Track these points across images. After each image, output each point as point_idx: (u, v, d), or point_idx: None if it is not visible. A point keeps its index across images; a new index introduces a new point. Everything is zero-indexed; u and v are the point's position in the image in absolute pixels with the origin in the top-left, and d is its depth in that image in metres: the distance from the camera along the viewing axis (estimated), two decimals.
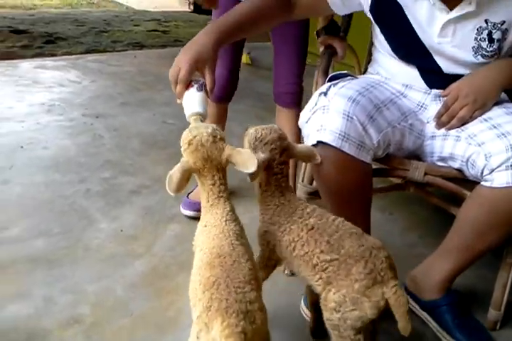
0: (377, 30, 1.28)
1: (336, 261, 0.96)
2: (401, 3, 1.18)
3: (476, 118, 1.17)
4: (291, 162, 1.75)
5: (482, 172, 1.10)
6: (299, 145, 1.10)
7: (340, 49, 1.49)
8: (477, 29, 1.15)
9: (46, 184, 1.93)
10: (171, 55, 1.08)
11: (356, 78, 1.31)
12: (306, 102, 1.23)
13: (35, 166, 2.06)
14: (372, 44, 1.40)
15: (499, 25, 1.14)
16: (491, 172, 1.08)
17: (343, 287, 0.94)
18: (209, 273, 0.84)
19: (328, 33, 1.52)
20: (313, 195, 1.38)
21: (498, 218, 1.12)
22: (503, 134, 1.08)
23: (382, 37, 1.27)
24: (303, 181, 1.41)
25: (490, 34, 1.15)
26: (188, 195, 1.78)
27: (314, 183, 1.38)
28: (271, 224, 1.06)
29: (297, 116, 1.69)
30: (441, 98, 1.24)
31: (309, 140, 1.13)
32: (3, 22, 4.77)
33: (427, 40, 1.20)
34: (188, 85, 1.09)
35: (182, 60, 1.07)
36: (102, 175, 2.02)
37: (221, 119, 1.80)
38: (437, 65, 1.22)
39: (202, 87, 1.09)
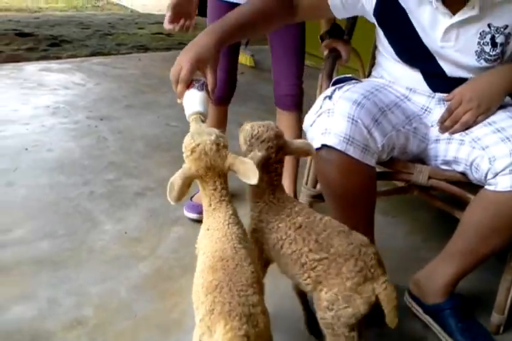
0: (380, 33, 1.29)
1: (325, 260, 0.97)
2: (405, 7, 1.18)
3: (479, 123, 1.17)
4: (293, 162, 1.75)
5: (486, 176, 1.10)
6: (296, 141, 1.09)
7: (344, 52, 1.49)
8: (480, 33, 1.15)
9: (51, 186, 1.94)
10: (175, 57, 1.08)
11: (361, 81, 1.31)
12: (308, 105, 1.23)
13: (40, 168, 2.07)
14: (376, 47, 1.40)
15: (502, 30, 1.14)
16: (494, 176, 1.08)
17: (335, 286, 0.95)
18: (212, 276, 0.84)
19: (332, 37, 1.53)
20: (316, 198, 1.38)
21: (501, 222, 1.11)
22: (507, 138, 1.08)
23: (386, 40, 1.27)
24: (307, 184, 1.41)
25: (493, 38, 1.15)
26: (192, 197, 1.79)
27: (318, 186, 1.38)
28: (259, 222, 1.06)
29: (298, 120, 1.70)
30: (445, 102, 1.24)
31: (314, 143, 1.13)
32: (8, 25, 4.80)
33: (430, 44, 1.20)
34: (189, 85, 1.07)
35: (183, 59, 1.05)
36: (106, 177, 2.03)
37: (221, 123, 1.78)
38: (441, 68, 1.22)
39: (203, 87, 1.07)
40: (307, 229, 1.00)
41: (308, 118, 1.20)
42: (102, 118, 2.64)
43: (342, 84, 1.23)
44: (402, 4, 1.18)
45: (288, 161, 1.71)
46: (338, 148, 1.09)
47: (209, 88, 1.08)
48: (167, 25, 1.48)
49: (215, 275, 0.84)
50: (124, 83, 3.26)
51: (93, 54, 4.03)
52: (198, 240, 0.99)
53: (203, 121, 1.03)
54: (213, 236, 0.93)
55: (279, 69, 1.68)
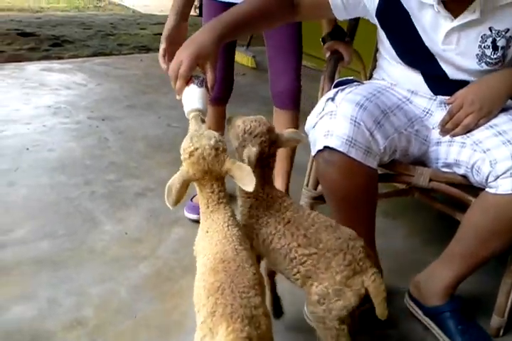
0: (382, 35, 1.29)
1: (314, 255, 0.98)
2: (407, 8, 1.18)
3: (481, 126, 1.17)
4: (288, 160, 1.74)
5: (487, 179, 1.10)
6: (285, 132, 1.09)
7: (346, 54, 1.49)
8: (481, 37, 1.15)
9: (52, 186, 1.94)
10: None
11: (362, 84, 1.31)
12: (310, 107, 1.23)
13: (41, 168, 2.07)
14: (377, 50, 1.40)
15: (503, 33, 1.14)
16: (495, 179, 1.08)
17: (325, 280, 0.96)
18: (213, 278, 0.84)
19: (334, 39, 1.52)
20: (317, 200, 1.38)
21: (502, 225, 1.11)
22: (508, 141, 1.08)
23: (388, 42, 1.27)
24: (307, 186, 1.41)
25: (494, 42, 1.15)
26: (192, 198, 1.79)
27: (319, 188, 1.38)
28: (249, 217, 1.06)
29: (296, 119, 1.68)
30: (446, 105, 1.24)
31: (316, 145, 1.14)
32: (10, 25, 4.80)
33: (432, 47, 1.20)
34: (188, 81, 1.06)
35: (183, 54, 1.04)
36: (107, 178, 2.03)
37: (219, 124, 1.77)
38: (443, 70, 1.22)
39: (202, 83, 1.06)
40: (296, 224, 1.02)
41: (310, 120, 1.20)
42: (104, 119, 2.64)
43: (344, 86, 1.23)
44: (405, 6, 1.18)
45: (283, 159, 1.70)
46: (341, 150, 1.09)
47: (208, 85, 1.07)
48: (162, 63, 1.39)
49: (217, 277, 0.84)
50: (125, 83, 3.26)
51: (95, 54, 4.04)
52: (196, 242, 0.99)
53: (202, 120, 1.02)
54: (213, 239, 0.93)
55: (274, 68, 1.65)
